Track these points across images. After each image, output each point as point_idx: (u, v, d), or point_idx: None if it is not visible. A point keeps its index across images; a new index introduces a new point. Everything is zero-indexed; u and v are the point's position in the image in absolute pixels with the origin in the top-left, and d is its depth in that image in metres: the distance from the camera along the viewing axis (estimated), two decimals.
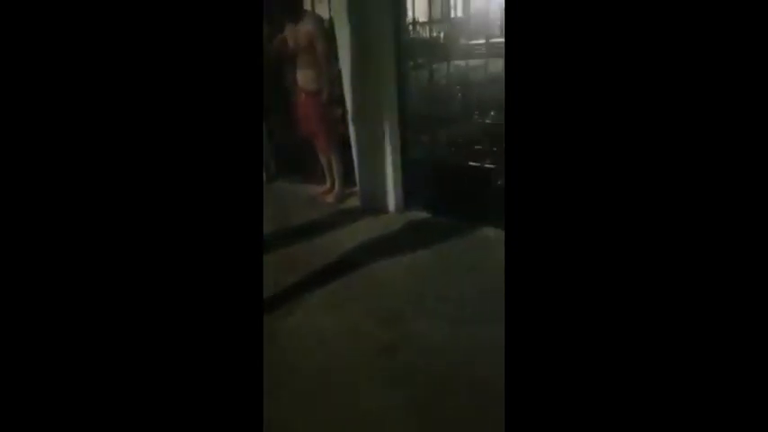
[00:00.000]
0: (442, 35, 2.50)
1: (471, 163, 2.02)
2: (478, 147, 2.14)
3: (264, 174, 2.80)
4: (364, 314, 1.51)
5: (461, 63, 1.94)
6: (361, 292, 1.64)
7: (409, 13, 2.10)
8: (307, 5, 2.30)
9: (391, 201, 2.24)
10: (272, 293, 1.64)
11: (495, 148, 2.07)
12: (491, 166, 1.96)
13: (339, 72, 2.08)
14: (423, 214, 2.21)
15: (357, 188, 2.35)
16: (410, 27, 2.30)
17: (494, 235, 1.94)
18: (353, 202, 2.42)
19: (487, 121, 2.33)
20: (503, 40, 1.94)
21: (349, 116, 2.14)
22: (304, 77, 2.12)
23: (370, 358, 1.31)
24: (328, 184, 2.55)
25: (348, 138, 2.23)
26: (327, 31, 2.10)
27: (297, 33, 2.04)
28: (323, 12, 2.24)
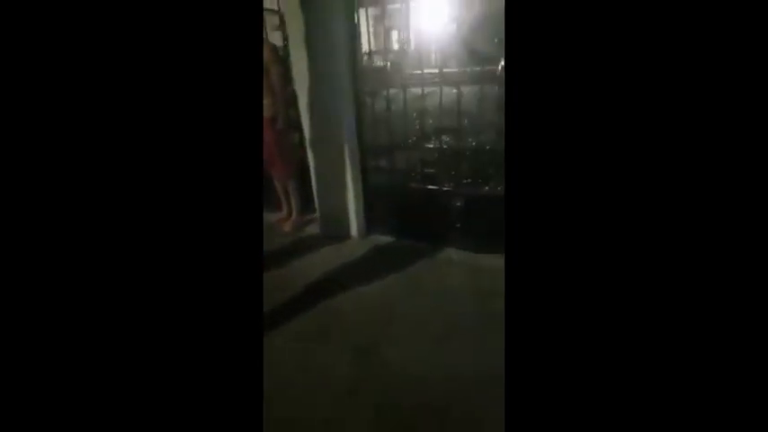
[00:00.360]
0: (388, 65, 2.58)
1: (430, 186, 2.07)
2: (433, 170, 2.19)
3: None
4: (332, 346, 1.44)
5: (417, 90, 2.01)
6: (329, 321, 1.57)
7: (364, 44, 2.15)
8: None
9: (354, 226, 2.22)
10: None
11: (453, 172, 2.13)
12: (448, 188, 2.02)
13: (296, 98, 2.06)
14: (386, 238, 2.20)
15: (317, 215, 2.30)
16: (365, 56, 2.35)
17: (456, 256, 1.97)
18: (313, 229, 2.36)
19: (444, 146, 2.42)
20: (456, 69, 2.06)
21: (307, 142, 2.11)
22: None
23: (339, 394, 1.24)
24: (285, 212, 2.47)
25: (306, 164, 2.19)
26: (282, 57, 2.08)
27: None
28: (277, 39, 2.22)
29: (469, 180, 2.12)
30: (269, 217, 2.50)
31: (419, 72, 2.10)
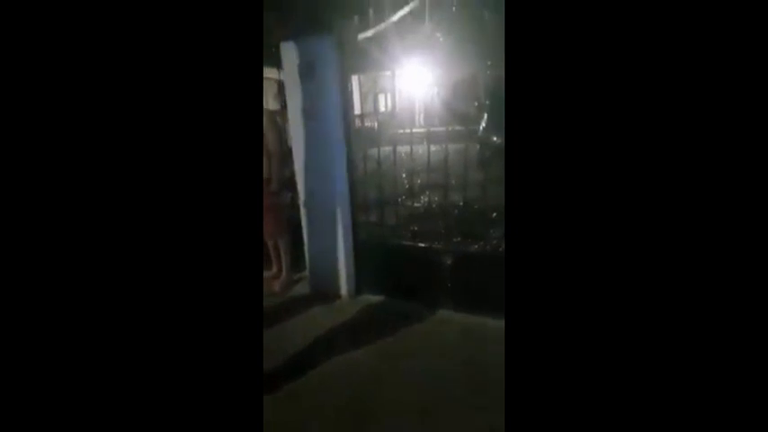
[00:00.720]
0: (376, 125, 2.73)
1: (420, 244, 2.09)
2: (422, 228, 2.23)
3: None
4: (323, 411, 1.35)
5: (406, 149, 2.10)
6: (318, 386, 1.48)
7: (356, 107, 2.29)
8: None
9: (343, 285, 2.18)
10: None
11: (442, 231, 2.17)
12: (439, 246, 2.04)
13: (291, 159, 2.13)
14: (376, 298, 2.16)
15: (306, 272, 2.27)
16: (356, 118, 2.49)
17: (448, 317, 1.94)
18: (303, 288, 2.31)
19: (432, 204, 2.49)
20: (442, 128, 2.19)
21: (300, 201, 2.14)
22: None
23: None
24: (275, 270, 2.43)
25: (298, 222, 2.20)
26: (278, 122, 2.18)
27: None
28: (276, 105, 2.35)
29: (459, 238, 2.15)
30: None
31: (408, 131, 2.22)
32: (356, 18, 1.89)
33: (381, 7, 1.88)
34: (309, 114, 1.99)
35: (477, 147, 3.99)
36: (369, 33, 1.88)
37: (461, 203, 2.22)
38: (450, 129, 2.15)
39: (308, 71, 1.92)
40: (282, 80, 2.03)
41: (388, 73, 2.15)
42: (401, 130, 3.06)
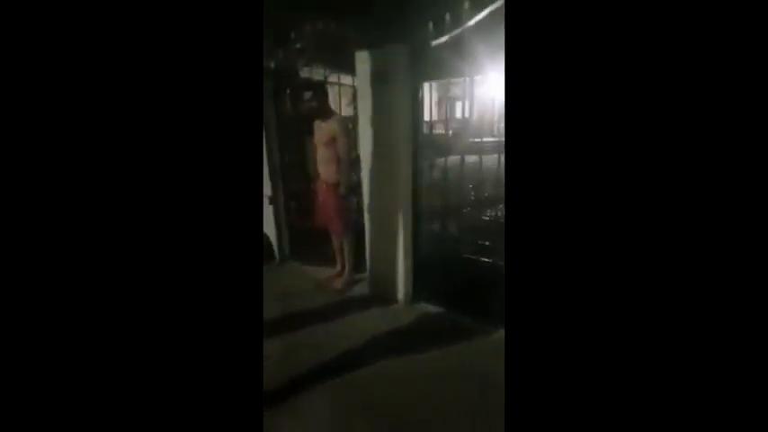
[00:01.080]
0: (450, 132, 2.67)
1: (482, 259, 1.99)
2: (486, 242, 2.12)
3: (278, 255, 2.81)
4: (367, 422, 1.36)
5: (475, 159, 2.03)
6: (365, 394, 1.50)
7: (426, 114, 2.28)
8: (335, 105, 2.54)
9: (401, 289, 2.18)
10: (270, 388, 1.50)
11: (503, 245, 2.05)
12: (501, 263, 1.92)
13: (359, 165, 2.20)
14: (431, 308, 2.12)
15: (367, 273, 2.32)
16: (426, 125, 2.48)
17: (499, 337, 1.82)
18: (362, 288, 2.37)
19: (500, 217, 2.36)
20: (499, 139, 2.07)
21: (365, 206, 2.20)
22: (325, 170, 2.25)
23: None
24: (338, 268, 2.52)
25: (362, 226, 2.27)
26: (349, 128, 2.27)
27: (322, 130, 2.22)
28: (350, 111, 2.45)
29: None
30: (321, 273, 2.57)
31: (478, 140, 2.15)
32: (431, 24, 1.88)
33: (458, 13, 1.84)
34: (379, 121, 2.04)
35: None
36: (443, 39, 1.86)
37: None
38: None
39: (380, 79, 1.97)
40: (356, 87, 2.11)
41: (463, 79, 2.10)
42: (474, 139, 2.97)
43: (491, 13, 1.81)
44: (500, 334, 1.85)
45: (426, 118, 2.31)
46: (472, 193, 2.29)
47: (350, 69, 2.12)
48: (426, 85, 2.15)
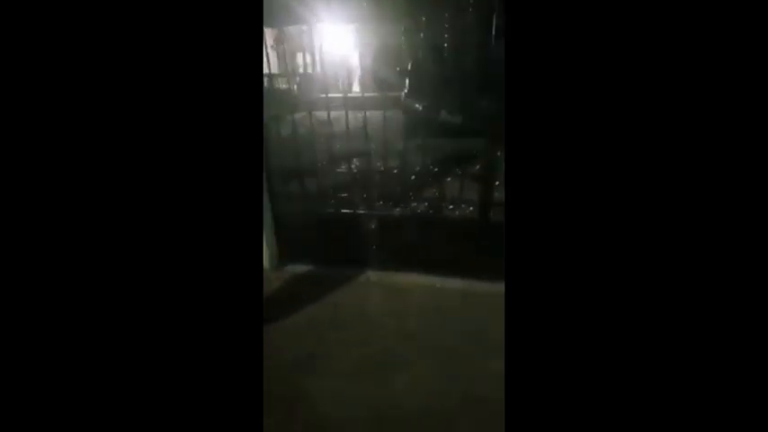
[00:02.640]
0: (295, 87, 2.56)
1: (344, 210, 2.06)
2: (345, 194, 2.20)
3: None
4: None
5: (323, 114, 2.00)
6: None
7: (264, 67, 2.08)
8: None
9: (265, 256, 2.08)
10: None
11: (364, 195, 2.16)
12: (362, 212, 2.03)
13: None
14: (301, 267, 2.11)
15: None
16: (266, 78, 2.28)
17: (374, 278, 1.98)
18: None
19: (354, 170, 2.45)
20: (360, 93, 2.12)
21: None
22: None
23: None
24: None
25: None
26: None
27: None
28: None
29: (381, 202, 2.17)
30: None
31: (324, 96, 2.11)
32: None
33: None
34: None
35: (399, 113, 3.99)
36: None
37: (382, 169, 2.22)
38: (370, 95, 2.09)
39: None
40: None
41: (304, 27, 1.96)
42: (321, 95, 2.91)
43: None
44: (367, 276, 1.99)
45: (266, 71, 2.12)
46: (324, 146, 2.29)
47: None
48: (269, 32, 1.94)
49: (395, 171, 2.23)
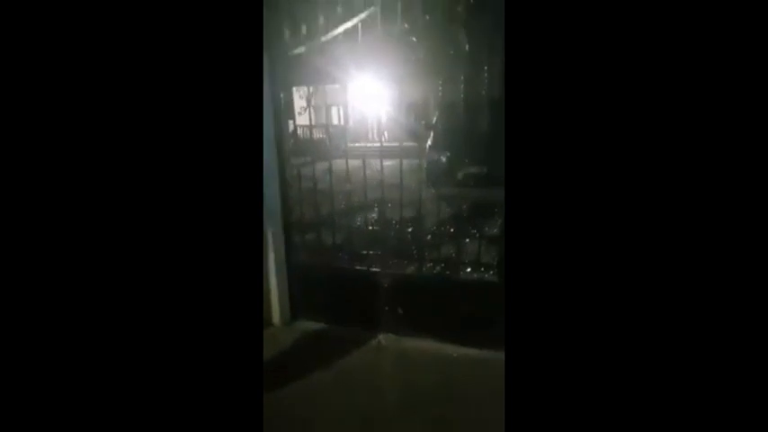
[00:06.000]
0: (323, 137, 2.66)
1: (357, 267, 2.01)
2: (364, 252, 2.15)
3: None
4: None
5: (341, 162, 2.03)
6: None
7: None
8: None
9: (276, 309, 2.03)
10: None
11: (379, 252, 2.11)
12: (377, 269, 1.97)
13: None
14: (312, 324, 2.03)
15: None
16: (293, 132, 2.38)
17: (386, 342, 1.87)
18: None
19: (371, 226, 2.44)
20: (384, 144, 2.16)
21: None
22: None
23: None
24: None
25: None
26: None
27: None
28: None
29: (395, 260, 2.11)
30: None
31: (349, 145, 2.16)
32: (287, 33, 1.81)
33: (315, 24, 1.82)
34: None
35: (416, 162, 4.05)
36: (301, 49, 1.81)
37: (397, 226, 2.19)
38: (396, 145, 2.11)
39: None
40: None
41: (336, 86, 2.08)
42: (356, 144, 3.01)
43: (360, 22, 1.84)
44: (379, 340, 1.88)
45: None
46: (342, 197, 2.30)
47: None
48: (302, 91, 2.06)
49: (409, 228, 2.18)
